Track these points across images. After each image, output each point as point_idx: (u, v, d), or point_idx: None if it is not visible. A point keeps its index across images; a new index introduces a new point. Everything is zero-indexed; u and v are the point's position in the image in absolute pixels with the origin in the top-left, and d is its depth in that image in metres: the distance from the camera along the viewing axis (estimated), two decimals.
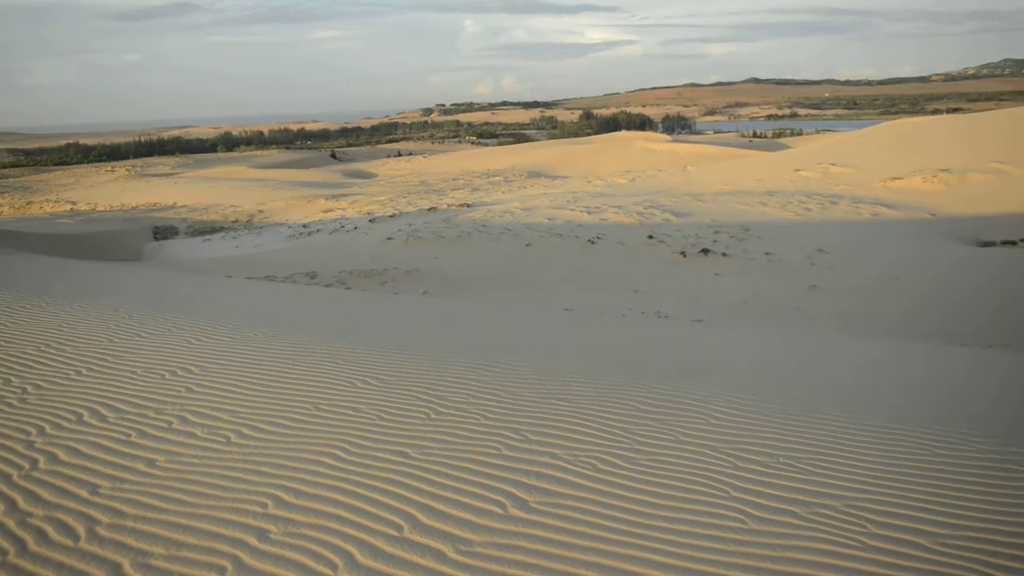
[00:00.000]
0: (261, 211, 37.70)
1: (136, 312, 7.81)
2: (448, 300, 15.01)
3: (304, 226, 30.43)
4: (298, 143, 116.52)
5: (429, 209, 30.38)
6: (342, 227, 27.79)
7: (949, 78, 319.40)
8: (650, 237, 21.10)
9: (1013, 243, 21.36)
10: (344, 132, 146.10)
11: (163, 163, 74.11)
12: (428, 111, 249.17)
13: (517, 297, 16.60)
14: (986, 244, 21.59)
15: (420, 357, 6.19)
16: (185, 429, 4.37)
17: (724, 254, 19.12)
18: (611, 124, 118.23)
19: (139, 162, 78.20)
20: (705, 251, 19.39)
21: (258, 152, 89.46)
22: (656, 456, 3.93)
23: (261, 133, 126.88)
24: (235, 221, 35.55)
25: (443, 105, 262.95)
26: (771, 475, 3.74)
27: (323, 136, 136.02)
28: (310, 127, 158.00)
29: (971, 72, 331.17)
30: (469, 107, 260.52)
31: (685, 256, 19.25)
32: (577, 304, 15.12)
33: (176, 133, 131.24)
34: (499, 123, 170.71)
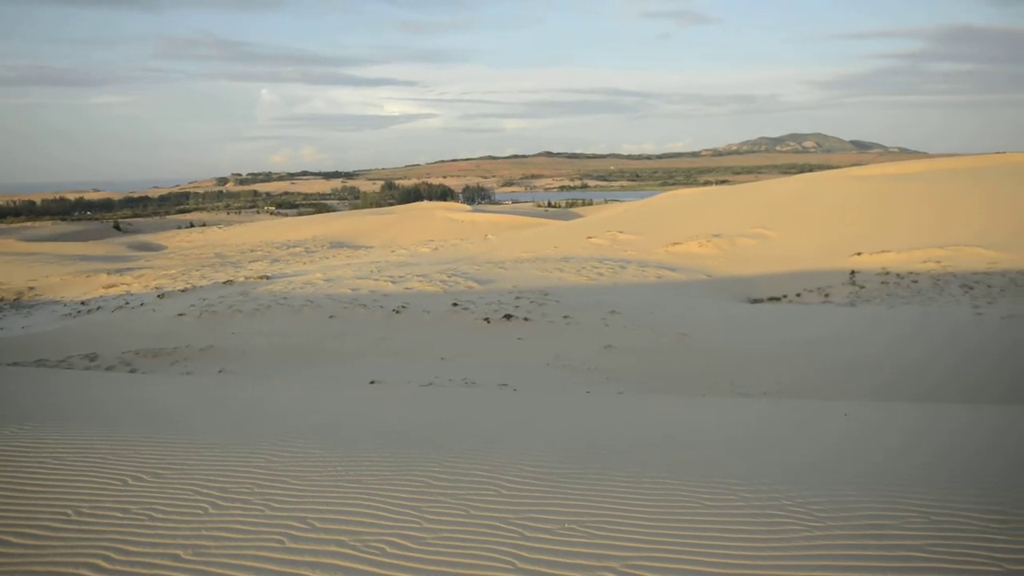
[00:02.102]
0: (32, 288, 34.13)
1: None
2: (243, 379, 14.18)
3: (83, 303, 27.83)
4: (76, 214, 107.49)
5: (225, 282, 28.89)
6: (127, 303, 25.69)
7: (716, 153, 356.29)
8: (454, 305, 21.29)
9: (777, 299, 23.76)
10: (129, 202, 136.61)
11: None
12: (223, 180, 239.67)
13: (322, 370, 16.04)
14: (755, 301, 23.84)
15: (203, 445, 5.72)
16: None
17: (526, 319, 19.64)
18: (413, 194, 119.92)
19: None
20: (508, 317, 19.82)
21: (29, 224, 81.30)
22: (445, 533, 3.85)
23: (33, 203, 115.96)
24: (0, 300, 31.91)
25: (239, 174, 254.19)
26: (557, 542, 3.77)
27: (105, 206, 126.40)
28: (90, 197, 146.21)
29: (734, 148, 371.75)
30: (267, 176, 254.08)
31: (489, 322, 19.56)
32: (384, 375, 14.84)
33: None
34: (299, 193, 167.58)
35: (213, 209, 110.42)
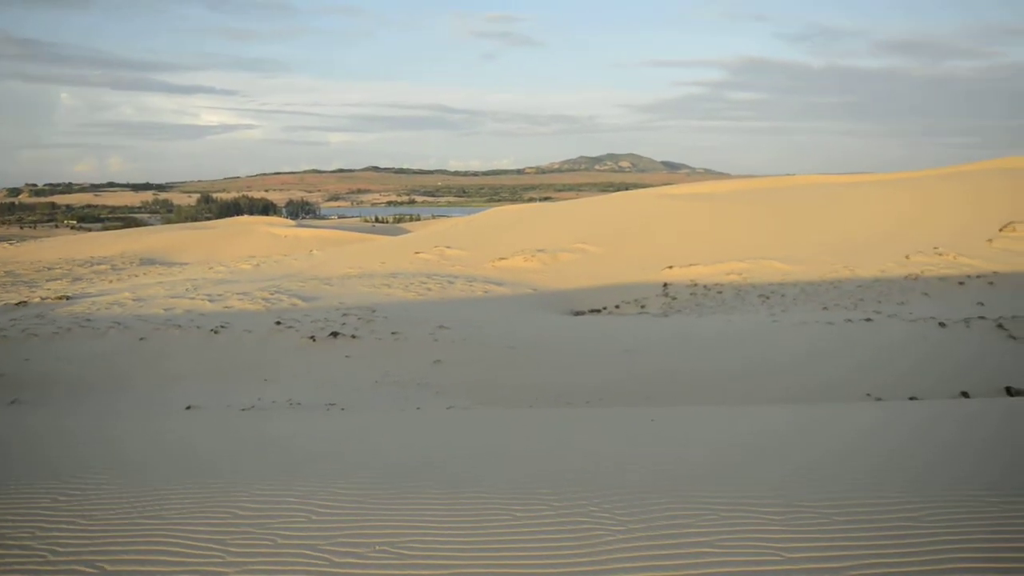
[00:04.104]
0: None
1: None
2: (37, 409, 12.92)
3: None
4: None
5: (18, 304, 26.20)
6: None
7: (540, 171, 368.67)
8: (278, 323, 20.51)
9: (598, 311, 24.81)
10: None
11: None
12: (15, 191, 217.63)
13: (132, 396, 14.92)
14: (578, 313, 24.77)
15: None
16: None
17: (353, 336, 19.26)
18: (233, 208, 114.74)
19: None
20: (334, 334, 19.35)
21: None
22: (251, 566, 3.67)
23: None
24: None
25: (35, 185, 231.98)
26: (367, 565, 3.71)
27: None
28: None
29: (556, 166, 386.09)
30: (68, 188, 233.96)
31: (315, 340, 19.01)
32: (202, 399, 14.04)
33: None
34: (105, 206, 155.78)
35: (4, 223, 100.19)
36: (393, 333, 19.52)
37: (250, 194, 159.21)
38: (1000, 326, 17.17)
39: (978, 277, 24.03)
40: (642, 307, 24.77)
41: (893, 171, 48.63)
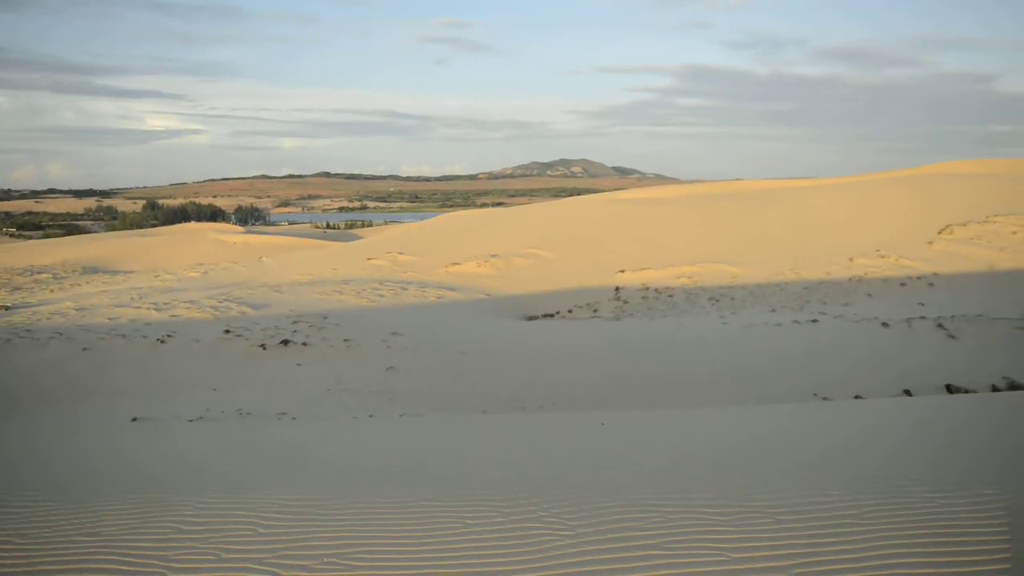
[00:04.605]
0: None
1: None
2: None
3: None
4: None
5: None
6: None
7: (492, 176, 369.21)
8: (227, 332, 20.14)
9: (551, 315, 24.91)
10: None
11: None
12: None
13: (76, 409, 14.51)
14: (531, 318, 24.83)
15: None
16: None
17: (304, 344, 19.02)
18: (180, 215, 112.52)
19: None
20: (285, 342, 19.08)
21: None
22: None
23: None
24: None
25: None
26: None
27: None
28: None
29: (508, 172, 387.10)
30: (7, 195, 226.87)
31: (265, 349, 18.72)
32: (149, 410, 13.72)
33: None
34: (45, 213, 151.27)
35: None
36: (345, 340, 19.32)
37: (198, 200, 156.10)
38: (940, 326, 17.71)
39: (919, 278, 24.76)
40: (595, 311, 24.94)
41: (834, 176, 49.95)
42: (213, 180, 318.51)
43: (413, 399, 14.86)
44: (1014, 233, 28.50)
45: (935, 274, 25.07)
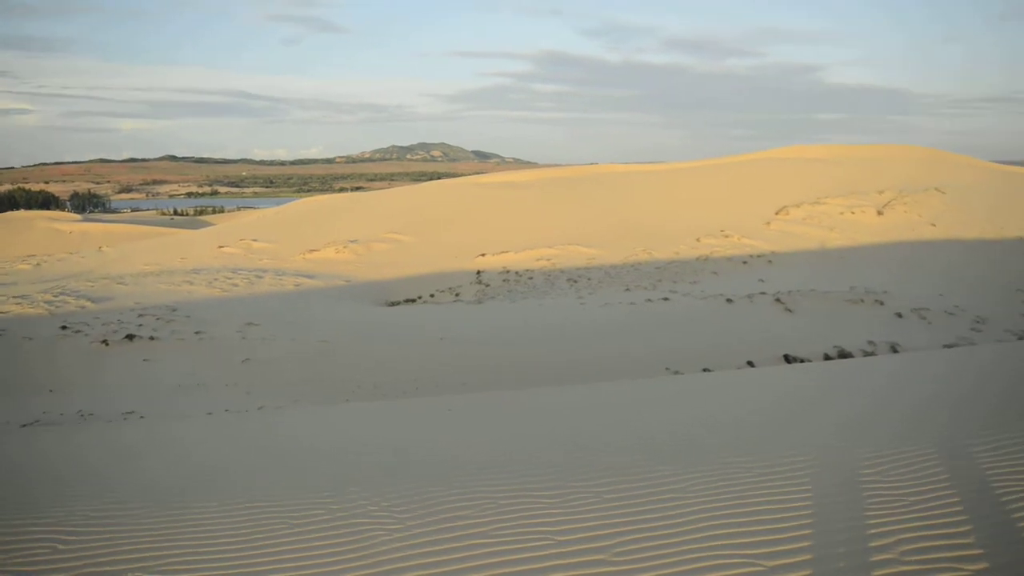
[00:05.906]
0: None
1: None
2: None
3: None
4: None
5: None
6: None
7: (350, 160, 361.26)
8: (64, 328, 18.78)
9: (413, 300, 24.84)
10: None
11: None
12: None
13: None
14: (393, 303, 24.66)
15: None
16: None
17: (152, 338, 18.06)
18: (6, 202, 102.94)
19: None
20: (130, 337, 18.03)
21: None
22: None
23: None
24: None
25: None
26: None
27: None
28: None
29: (367, 156, 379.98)
30: None
31: (108, 345, 17.61)
32: None
33: None
34: None
35: None
36: (197, 333, 18.50)
37: (27, 186, 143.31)
38: (778, 300, 19.09)
39: (759, 256, 26.52)
40: (456, 295, 25.09)
41: (681, 160, 52.44)
42: (44, 164, 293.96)
43: (273, 391, 14.46)
44: (841, 214, 31.04)
45: (773, 252, 26.93)
